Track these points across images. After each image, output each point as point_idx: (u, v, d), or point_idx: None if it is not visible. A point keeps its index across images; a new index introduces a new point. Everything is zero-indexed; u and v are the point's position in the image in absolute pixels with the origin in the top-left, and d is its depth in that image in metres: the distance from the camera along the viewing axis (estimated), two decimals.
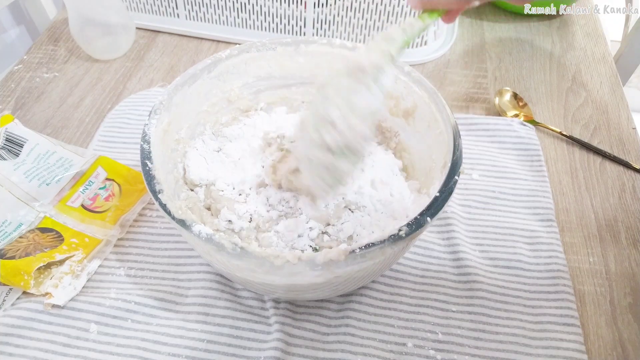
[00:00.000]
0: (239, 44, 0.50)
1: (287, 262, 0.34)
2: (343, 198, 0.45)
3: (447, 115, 0.43)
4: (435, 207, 0.37)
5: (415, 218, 0.36)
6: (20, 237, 0.47)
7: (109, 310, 0.45)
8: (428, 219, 0.36)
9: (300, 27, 0.70)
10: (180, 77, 0.47)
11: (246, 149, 0.50)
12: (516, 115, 0.64)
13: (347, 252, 0.34)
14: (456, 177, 0.39)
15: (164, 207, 0.37)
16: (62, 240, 0.48)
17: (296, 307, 0.45)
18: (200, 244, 0.36)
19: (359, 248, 0.34)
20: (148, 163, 0.40)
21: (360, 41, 0.70)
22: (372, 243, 0.35)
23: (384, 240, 0.35)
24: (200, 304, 0.45)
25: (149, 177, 0.39)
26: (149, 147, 0.41)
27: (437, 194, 0.38)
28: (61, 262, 0.46)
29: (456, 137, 0.41)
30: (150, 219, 0.52)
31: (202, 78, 0.48)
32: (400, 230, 0.35)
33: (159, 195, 0.38)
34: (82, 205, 0.51)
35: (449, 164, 0.40)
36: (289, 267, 0.34)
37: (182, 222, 0.36)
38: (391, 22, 0.67)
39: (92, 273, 0.47)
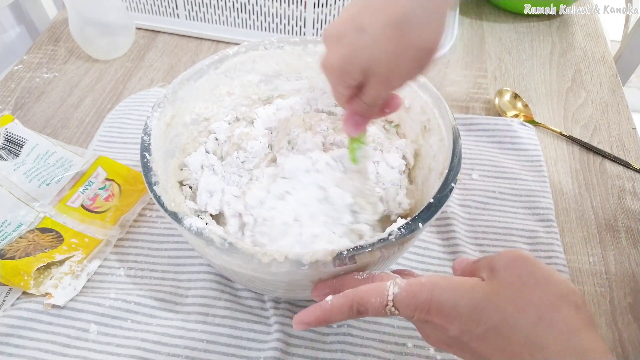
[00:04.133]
0: (246, 42, 0.50)
1: (273, 260, 0.34)
2: None
3: (450, 122, 0.43)
4: (428, 213, 0.37)
5: (407, 223, 0.36)
6: (20, 238, 0.47)
7: (108, 310, 0.45)
8: (420, 224, 0.36)
9: (300, 27, 0.70)
10: (187, 72, 0.47)
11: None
12: (516, 116, 0.64)
13: (334, 254, 0.34)
14: (452, 185, 0.39)
15: (158, 199, 0.38)
16: (62, 240, 0.48)
17: (296, 307, 0.45)
18: (191, 237, 0.37)
19: (347, 250, 0.34)
20: (147, 155, 0.40)
21: None
22: (360, 246, 0.34)
23: (373, 243, 0.35)
24: (200, 304, 0.45)
25: (147, 169, 0.40)
26: (149, 139, 0.41)
27: (431, 200, 0.37)
28: (61, 262, 0.46)
29: (456, 144, 0.41)
30: (150, 219, 0.52)
31: (208, 74, 0.49)
32: (390, 234, 0.35)
33: (154, 187, 0.38)
34: (82, 206, 0.51)
35: (446, 171, 0.40)
36: (276, 265, 0.34)
37: (174, 215, 0.37)
38: None
39: (92, 273, 0.47)
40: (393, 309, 0.31)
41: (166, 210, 0.37)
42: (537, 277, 0.29)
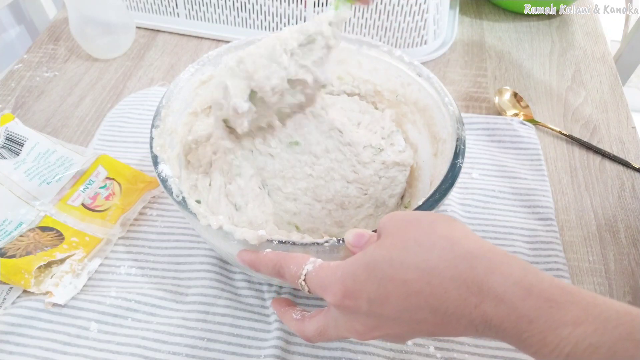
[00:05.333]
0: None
1: (208, 226, 0.36)
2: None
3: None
4: None
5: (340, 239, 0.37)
6: (21, 236, 0.47)
7: (109, 308, 0.45)
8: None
9: None
10: (236, 42, 0.50)
11: None
12: (516, 115, 0.64)
13: (263, 239, 0.36)
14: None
15: (151, 140, 0.42)
16: (63, 239, 0.48)
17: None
18: (160, 182, 0.40)
19: (325, 242, 0.35)
20: (164, 101, 0.45)
21: None
22: (292, 242, 0.36)
23: (306, 244, 0.36)
24: (201, 303, 0.45)
25: (157, 112, 0.44)
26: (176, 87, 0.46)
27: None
28: (62, 260, 0.47)
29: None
30: (151, 218, 0.52)
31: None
32: (327, 241, 0.36)
33: (152, 129, 0.43)
34: (83, 204, 0.51)
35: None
36: (210, 231, 0.37)
37: (155, 158, 0.41)
38: (391, 22, 0.67)
39: (92, 272, 0.47)
40: (304, 283, 0.32)
41: (152, 151, 0.41)
42: (409, 219, 0.30)
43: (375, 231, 0.34)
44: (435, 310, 0.27)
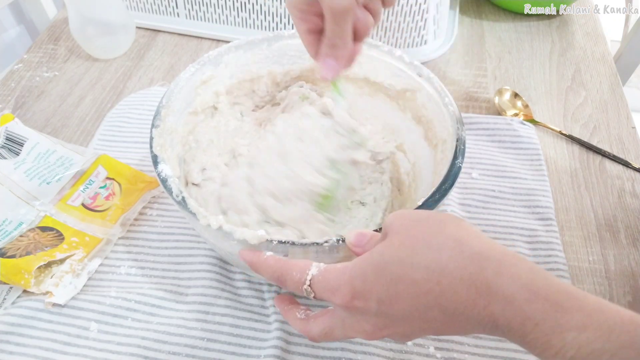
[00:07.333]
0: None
1: (208, 226, 0.37)
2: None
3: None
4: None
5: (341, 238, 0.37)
6: (21, 236, 0.47)
7: (109, 308, 0.45)
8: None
9: None
10: (237, 42, 0.50)
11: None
12: (516, 115, 0.64)
13: (263, 239, 0.36)
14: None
15: (151, 140, 0.42)
16: (63, 239, 0.48)
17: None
18: (159, 182, 0.40)
19: (325, 242, 0.35)
20: (164, 100, 0.45)
21: None
22: (292, 242, 0.36)
23: (306, 244, 0.36)
24: (201, 303, 0.45)
25: (156, 112, 0.44)
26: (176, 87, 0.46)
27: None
28: (62, 261, 0.47)
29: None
30: (151, 218, 0.52)
31: (260, 48, 0.50)
32: (326, 242, 0.36)
33: (153, 129, 0.42)
34: (83, 204, 0.51)
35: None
36: (210, 230, 0.37)
37: (155, 157, 0.41)
38: (391, 22, 0.67)
39: (92, 272, 0.47)
40: (309, 289, 0.32)
41: (152, 151, 0.41)
42: (417, 219, 0.30)
43: (377, 230, 0.34)
44: (444, 309, 0.27)
